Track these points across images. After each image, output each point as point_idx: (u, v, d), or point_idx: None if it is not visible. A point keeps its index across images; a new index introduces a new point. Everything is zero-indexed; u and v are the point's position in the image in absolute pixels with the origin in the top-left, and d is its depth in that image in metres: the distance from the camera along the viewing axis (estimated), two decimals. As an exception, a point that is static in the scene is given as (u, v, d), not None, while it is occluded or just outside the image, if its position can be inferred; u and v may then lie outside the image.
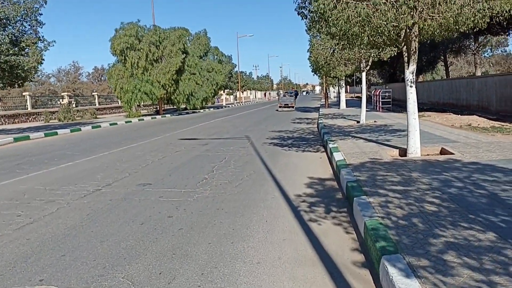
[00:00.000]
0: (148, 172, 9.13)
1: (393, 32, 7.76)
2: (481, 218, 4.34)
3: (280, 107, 37.36)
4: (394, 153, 9.15)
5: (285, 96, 42.51)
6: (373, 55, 16.24)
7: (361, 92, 17.42)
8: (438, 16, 7.38)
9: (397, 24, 7.49)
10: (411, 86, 8.42)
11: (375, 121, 17.38)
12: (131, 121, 28.01)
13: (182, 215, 5.86)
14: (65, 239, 5.02)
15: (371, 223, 4.35)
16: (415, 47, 8.25)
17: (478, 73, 34.15)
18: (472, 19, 7.44)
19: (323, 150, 11.63)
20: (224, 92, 66.46)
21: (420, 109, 29.24)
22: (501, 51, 60.52)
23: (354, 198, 5.40)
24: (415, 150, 8.42)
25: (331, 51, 15.90)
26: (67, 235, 5.18)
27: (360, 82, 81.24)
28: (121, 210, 6.19)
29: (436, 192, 5.44)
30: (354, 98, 58.32)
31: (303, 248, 4.50)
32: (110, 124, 25.41)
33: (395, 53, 15.55)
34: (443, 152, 8.92)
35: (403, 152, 9.06)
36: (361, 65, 16.72)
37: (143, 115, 35.23)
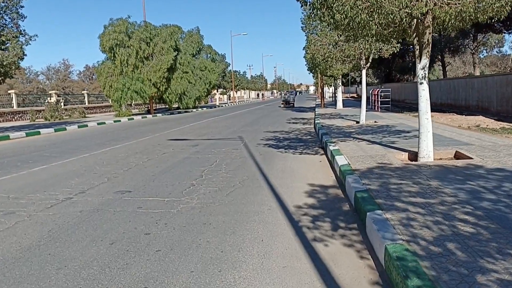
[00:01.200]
0: (129, 177, 8.17)
1: (406, 20, 6.86)
2: (531, 242, 3.45)
3: (282, 103, 45.73)
4: (403, 157, 8.27)
5: (286, 95, 50.05)
6: (374, 52, 15.38)
7: (361, 91, 16.56)
8: (458, 2, 6.49)
9: (410, 11, 6.61)
10: (422, 83, 7.53)
11: (375, 122, 16.51)
12: (120, 121, 26.97)
13: (162, 231, 4.92)
14: (13, 266, 4.06)
15: (395, 249, 3.45)
16: (428, 39, 7.37)
17: (477, 73, 33.47)
18: (495, 6, 6.57)
19: (322, 152, 10.74)
20: (217, 91, 65.51)
21: (416, 110, 28.50)
22: (496, 51, 60.07)
23: (367, 213, 4.50)
24: (428, 154, 7.54)
25: (330, 46, 14.99)
26: (18, 259, 4.22)
27: (355, 82, 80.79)
28: (91, 225, 5.24)
29: (466, 206, 4.54)
30: (350, 98, 57.61)
31: (309, 280, 3.58)
32: (98, 124, 24.38)
33: (396, 50, 14.71)
34: (458, 156, 8.05)
35: (413, 155, 8.18)
36: (361, 63, 15.84)
37: (133, 114, 34.20)
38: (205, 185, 7.29)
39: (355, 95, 78.54)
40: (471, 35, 34.36)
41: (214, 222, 5.25)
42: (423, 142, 7.57)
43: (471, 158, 7.31)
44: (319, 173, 8.11)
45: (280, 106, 44.14)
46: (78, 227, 5.17)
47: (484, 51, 53.55)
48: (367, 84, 65.47)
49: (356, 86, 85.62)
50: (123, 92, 29.84)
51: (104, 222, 5.36)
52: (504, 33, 27.70)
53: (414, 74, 49.52)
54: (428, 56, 7.45)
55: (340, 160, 7.88)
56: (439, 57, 40.97)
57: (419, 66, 7.52)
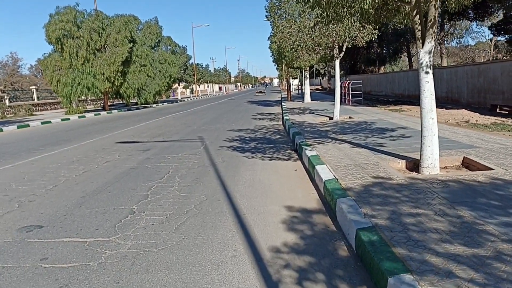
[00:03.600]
0: (49, 201, 6.20)
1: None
2: None
3: (257, 92, 65.16)
4: (399, 166, 6.67)
5: (259, 86, 72.55)
6: (348, 40, 13.82)
7: (334, 84, 14.98)
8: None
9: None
10: (427, 72, 5.94)
11: (350, 117, 15.01)
12: (69, 119, 24.44)
13: (63, 313, 3.08)
14: None
15: None
16: (435, 16, 5.77)
17: (444, 64, 32.76)
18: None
19: (296, 157, 9.07)
20: (179, 85, 63.02)
21: (387, 102, 27.47)
22: (456, 42, 60.12)
23: (389, 280, 2.81)
24: (433, 163, 5.96)
25: (300, 33, 13.29)
26: None
27: (319, 74, 79.80)
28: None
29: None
30: (315, 91, 56.49)
31: None
32: (42, 123, 21.85)
33: (375, 37, 13.20)
34: (467, 163, 6.52)
35: (412, 164, 6.60)
36: (334, 52, 14.25)
37: (87, 111, 31.60)
38: (149, 212, 5.45)
39: (319, 87, 77.77)
40: (437, 24, 33.62)
41: (152, 284, 3.45)
42: (427, 148, 5.98)
43: (491, 169, 5.76)
44: (297, 189, 6.41)
45: (255, 94, 63.05)
46: None
47: (445, 41, 53.36)
48: (332, 76, 64.72)
49: (320, 78, 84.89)
50: (73, 87, 27.21)
51: (-22, 292, 3.46)
52: (479, 20, 26.90)
53: (379, 66, 48.85)
54: (433, 37, 5.86)
55: (323, 173, 6.19)
56: (405, 47, 40.23)
57: (422, 51, 5.92)
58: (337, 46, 14.14)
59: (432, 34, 5.80)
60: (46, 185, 7.28)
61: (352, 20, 9.83)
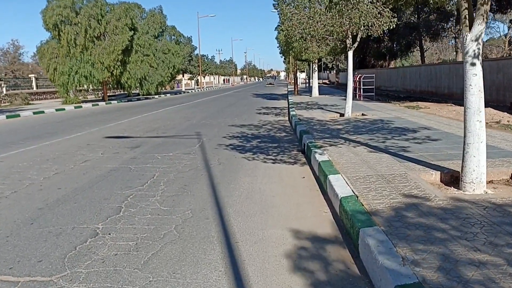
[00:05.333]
0: (-2, 214, 5.02)
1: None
2: None
3: (267, 84, 77.22)
4: (433, 178, 5.40)
5: (269, 79, 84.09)
6: (362, 29, 12.49)
7: (347, 78, 13.66)
8: None
9: None
10: (473, 64, 4.66)
11: (363, 114, 13.72)
12: (64, 109, 23.28)
13: None
14: None
15: None
16: (489, -9, 4.48)
17: (459, 59, 31.22)
18: None
19: (304, 159, 7.84)
20: (183, 76, 61.74)
21: (398, 98, 26.05)
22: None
23: None
24: (479, 178, 4.69)
25: (310, 21, 11.97)
26: None
27: (326, 67, 78.22)
28: None
29: None
30: (322, 85, 55.03)
31: None
32: (34, 113, 20.70)
33: (393, 26, 11.86)
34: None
35: (449, 177, 5.35)
36: (347, 42, 12.92)
37: (85, 101, 30.43)
38: (116, 235, 4.24)
39: (327, 81, 76.23)
40: (451, 19, 32.11)
41: None
42: (471, 159, 4.71)
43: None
44: (305, 204, 5.18)
45: (266, 86, 70.92)
46: None
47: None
48: (340, 70, 63.21)
49: (328, 72, 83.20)
50: (70, 76, 26.01)
51: None
52: (502, 13, 25.37)
53: (389, 60, 47.31)
54: (485, 18, 4.56)
55: (339, 186, 4.95)
56: (417, 41, 38.67)
57: (468, 37, 4.64)
58: (350, 36, 12.81)
59: (483, 14, 4.52)
60: (3, 190, 6.09)
61: (369, 4, 8.51)
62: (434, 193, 4.51)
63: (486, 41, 60.59)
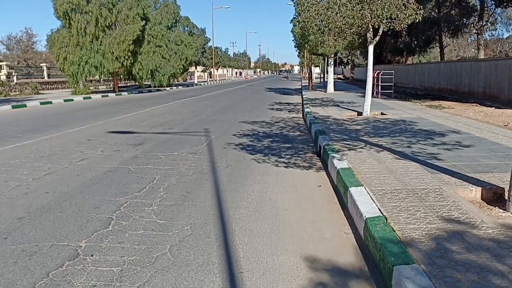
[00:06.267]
0: (-30, 224, 4.39)
1: None
2: None
3: (282, 78, 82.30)
4: (473, 195, 4.62)
5: (284, 73, 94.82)
6: (385, 22, 11.65)
7: (366, 74, 12.81)
8: None
9: None
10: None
11: (382, 113, 12.90)
12: (72, 100, 22.77)
13: None
14: None
15: None
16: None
17: (481, 56, 30.02)
18: None
19: (319, 163, 7.12)
20: (196, 68, 61.10)
21: (416, 95, 25.04)
22: (488, 35, 56.60)
23: None
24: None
25: (329, 12, 11.14)
26: None
27: (341, 62, 77.06)
28: None
29: None
30: (337, 80, 53.95)
31: None
32: (42, 103, 20.21)
33: (419, 19, 11.02)
34: None
35: (492, 194, 4.58)
36: (368, 36, 12.09)
37: (95, 92, 29.99)
38: (98, 258, 3.58)
39: (341, 76, 74.99)
40: (473, 14, 30.86)
41: None
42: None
43: None
44: (323, 221, 4.47)
45: (281, 80, 71.84)
46: None
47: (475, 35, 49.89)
48: (356, 66, 61.96)
49: (342, 67, 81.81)
50: (80, 66, 25.49)
51: None
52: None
53: (406, 56, 46.06)
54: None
55: (363, 203, 4.22)
56: (437, 37, 37.42)
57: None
58: (371, 29, 11.97)
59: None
60: (-15, 194, 5.48)
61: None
62: (480, 217, 3.76)
63: (506, 38, 58.87)
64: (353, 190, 4.68)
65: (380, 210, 4.00)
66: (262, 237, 4.08)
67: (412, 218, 3.80)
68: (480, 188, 4.63)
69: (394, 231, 3.50)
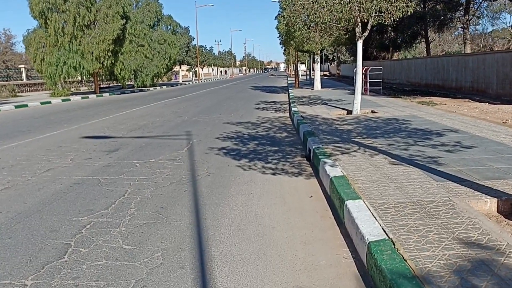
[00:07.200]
0: None
1: None
2: None
3: (269, 75, 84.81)
4: (487, 208, 4.04)
5: (271, 71, 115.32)
6: (374, 16, 11.08)
7: (355, 71, 12.22)
8: None
9: None
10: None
11: (373, 111, 12.35)
12: (50, 102, 21.85)
13: None
14: None
15: None
16: None
17: (468, 50, 29.76)
18: None
19: (309, 169, 6.50)
20: (181, 67, 60.18)
21: (404, 91, 24.60)
22: (472, 29, 56.61)
23: None
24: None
25: (316, 6, 10.52)
26: None
27: (327, 59, 76.67)
28: None
29: None
30: (323, 77, 53.51)
31: None
32: (16, 107, 19.29)
33: (411, 12, 10.46)
34: None
35: (509, 206, 3.99)
36: (356, 30, 11.50)
37: (75, 94, 28.98)
38: (44, 303, 2.91)
39: (327, 73, 74.67)
40: (459, 8, 30.60)
41: None
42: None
43: None
44: (317, 242, 3.85)
45: (268, 77, 74.76)
46: None
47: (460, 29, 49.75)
48: (342, 62, 61.58)
49: (328, 64, 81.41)
50: (58, 67, 24.53)
51: None
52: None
53: (392, 52, 45.75)
54: None
55: (363, 221, 3.61)
56: (423, 32, 37.12)
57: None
58: (360, 24, 11.39)
59: None
60: None
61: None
62: (504, 239, 3.16)
63: (490, 32, 59.00)
64: (350, 204, 4.06)
65: (385, 231, 3.38)
66: (246, 265, 3.44)
67: (425, 241, 3.18)
68: (496, 199, 4.05)
69: (405, 260, 2.88)
